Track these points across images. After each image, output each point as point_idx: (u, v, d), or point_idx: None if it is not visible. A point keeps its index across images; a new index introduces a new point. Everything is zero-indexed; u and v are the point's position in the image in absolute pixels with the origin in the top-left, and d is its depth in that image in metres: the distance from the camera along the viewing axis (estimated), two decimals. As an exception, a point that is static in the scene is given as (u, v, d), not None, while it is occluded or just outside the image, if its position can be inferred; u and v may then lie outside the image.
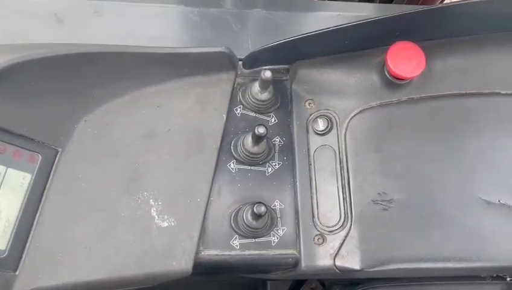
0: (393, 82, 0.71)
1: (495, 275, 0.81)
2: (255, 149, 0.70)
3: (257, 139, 0.67)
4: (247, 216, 0.66)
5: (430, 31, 0.71)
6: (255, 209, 0.61)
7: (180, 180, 0.70)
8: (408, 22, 0.67)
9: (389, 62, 0.67)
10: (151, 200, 0.68)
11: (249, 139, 0.70)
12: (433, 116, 0.71)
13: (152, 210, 0.68)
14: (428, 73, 0.72)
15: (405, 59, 0.67)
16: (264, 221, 0.66)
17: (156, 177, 0.69)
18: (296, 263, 0.69)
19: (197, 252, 0.67)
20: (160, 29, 0.85)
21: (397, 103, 0.72)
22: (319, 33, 0.67)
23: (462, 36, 0.72)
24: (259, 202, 0.62)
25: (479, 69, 0.72)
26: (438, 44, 0.72)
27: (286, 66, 0.79)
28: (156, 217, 0.67)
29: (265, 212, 0.62)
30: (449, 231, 0.68)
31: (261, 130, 0.64)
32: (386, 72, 0.70)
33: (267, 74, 0.68)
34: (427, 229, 0.67)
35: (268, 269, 0.73)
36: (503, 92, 0.71)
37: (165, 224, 0.67)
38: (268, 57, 0.76)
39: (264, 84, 0.71)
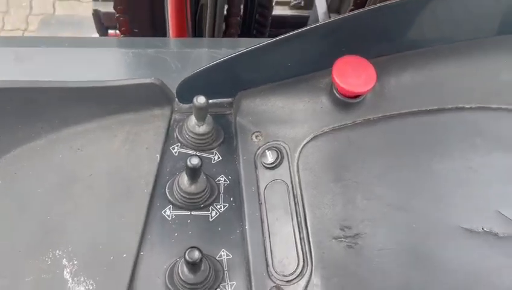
0: (345, 102, 0.62)
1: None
2: (193, 188, 0.59)
3: (192, 174, 0.57)
4: (182, 270, 0.54)
5: (380, 44, 0.65)
6: (186, 257, 0.49)
7: (101, 234, 0.58)
8: (353, 31, 0.61)
9: (336, 78, 0.60)
10: (64, 260, 0.55)
11: (184, 178, 0.59)
12: (393, 137, 0.62)
13: (65, 272, 0.54)
14: (382, 90, 0.64)
15: (353, 73, 0.60)
16: (204, 274, 0.54)
17: (71, 232, 0.57)
18: (248, 326, 0.55)
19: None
20: (92, 73, 0.77)
21: (352, 125, 0.63)
22: (254, 49, 0.60)
23: (415, 49, 0.66)
24: (192, 247, 0.50)
25: (438, 83, 0.65)
26: (389, 59, 0.66)
27: (229, 100, 0.71)
28: (70, 281, 0.54)
29: (201, 259, 0.50)
30: (430, 270, 0.56)
31: (194, 161, 0.54)
32: (335, 92, 0.63)
33: (200, 100, 0.59)
34: (402, 268, 0.55)
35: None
36: (467, 106, 0.64)
37: (81, 289, 0.54)
38: (207, 90, 0.68)
39: (200, 114, 0.62)
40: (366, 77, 0.60)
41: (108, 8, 1.39)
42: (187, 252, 0.49)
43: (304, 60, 0.65)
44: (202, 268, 0.53)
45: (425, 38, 0.66)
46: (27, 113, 0.61)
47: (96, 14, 1.46)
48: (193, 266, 0.51)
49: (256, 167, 0.64)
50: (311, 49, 0.63)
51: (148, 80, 0.64)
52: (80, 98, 0.63)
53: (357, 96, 0.62)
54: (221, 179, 0.64)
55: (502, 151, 0.62)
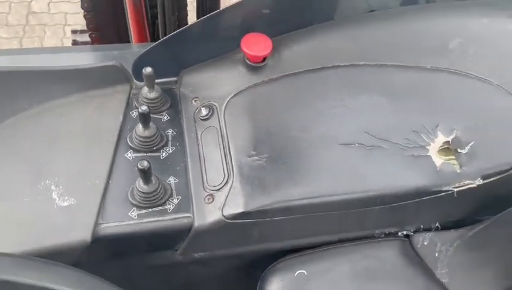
0: (253, 66, 0.87)
1: (387, 231, 0.90)
2: (146, 133, 0.81)
3: (144, 120, 0.79)
4: (139, 184, 0.75)
5: (277, 24, 0.90)
6: (138, 165, 0.70)
7: (80, 169, 0.79)
8: (256, 14, 0.86)
9: (244, 48, 0.84)
10: (52, 186, 0.76)
11: (139, 126, 0.81)
12: (289, 88, 0.87)
13: (53, 194, 0.75)
14: (280, 57, 0.89)
15: (255, 44, 0.84)
16: (154, 186, 0.75)
17: (57, 168, 0.78)
18: (191, 225, 0.76)
19: (96, 225, 0.73)
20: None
21: (261, 83, 0.87)
22: (184, 29, 0.84)
23: (304, 27, 0.91)
24: (142, 160, 0.71)
25: (320, 49, 0.90)
26: (285, 36, 0.91)
27: (174, 78, 0.95)
28: (57, 199, 0.75)
29: (149, 168, 0.71)
30: (316, 172, 0.78)
31: (143, 107, 0.77)
32: (246, 60, 0.87)
33: (148, 69, 0.83)
34: (297, 171, 0.78)
35: (169, 239, 0.78)
36: (341, 64, 0.89)
37: (66, 204, 0.74)
38: (157, 70, 0.91)
39: (149, 81, 0.85)
40: (265, 45, 0.84)
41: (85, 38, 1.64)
42: (138, 163, 0.71)
43: (222, 42, 0.89)
44: (153, 181, 0.75)
45: (311, 18, 0.91)
46: (21, 90, 0.83)
47: (75, 44, 1.72)
48: (144, 174, 0.72)
49: (195, 121, 0.87)
50: (225, 31, 0.87)
51: (110, 63, 0.88)
52: (61, 78, 0.86)
53: (261, 61, 0.86)
54: (169, 131, 0.87)
55: (367, 94, 0.86)
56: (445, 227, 0.92)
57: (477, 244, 0.89)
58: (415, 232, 0.92)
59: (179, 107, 0.90)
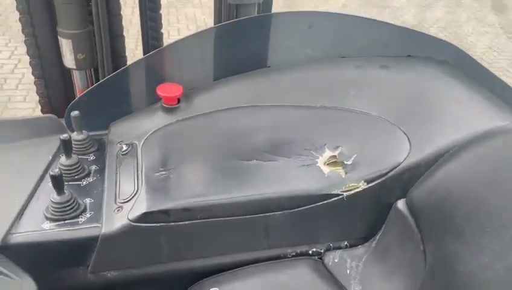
0: (168, 108, 1.03)
1: (298, 251, 0.96)
2: (68, 162, 0.92)
3: (65, 149, 0.91)
4: (53, 196, 0.83)
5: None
6: (50, 172, 0.80)
7: (6, 191, 0.87)
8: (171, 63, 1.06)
9: (159, 92, 1.01)
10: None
11: (63, 157, 0.93)
12: (199, 123, 1.02)
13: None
14: (191, 102, 1.06)
15: (169, 89, 1.02)
16: (67, 197, 0.83)
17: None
18: (99, 234, 0.82)
19: (8, 234, 0.79)
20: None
21: (175, 122, 1.02)
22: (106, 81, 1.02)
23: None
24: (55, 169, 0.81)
25: (225, 95, 1.08)
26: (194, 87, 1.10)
27: (105, 131, 1.09)
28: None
29: (61, 175, 0.80)
30: (216, 180, 0.88)
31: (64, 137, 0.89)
32: (162, 103, 1.03)
33: (75, 112, 0.97)
34: (198, 179, 0.87)
35: (79, 251, 0.83)
36: (244, 105, 1.06)
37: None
38: (89, 124, 1.05)
39: (76, 123, 0.99)
40: (177, 89, 1.02)
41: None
42: (50, 170, 0.80)
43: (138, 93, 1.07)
44: (66, 193, 0.83)
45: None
46: None
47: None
48: (56, 181, 0.80)
49: (117, 157, 0.99)
50: (139, 82, 1.06)
51: (46, 115, 1.03)
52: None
53: (175, 104, 1.03)
54: (93, 167, 0.97)
55: (264, 125, 1.01)
56: (353, 245, 0.98)
57: (381, 254, 0.94)
58: (325, 251, 0.97)
59: (106, 150, 1.03)
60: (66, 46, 1.17)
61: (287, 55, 1.14)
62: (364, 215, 0.95)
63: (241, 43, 1.11)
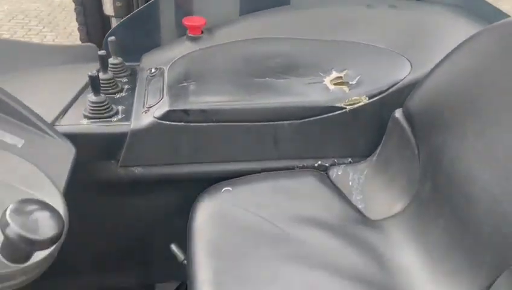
0: (192, 37, 1.15)
1: (305, 164, 1.05)
2: (105, 76, 1.05)
3: (102, 66, 1.04)
4: (90, 97, 0.96)
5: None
6: (89, 73, 0.93)
7: (51, 97, 1.02)
8: None
9: (185, 22, 1.14)
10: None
11: (100, 73, 1.06)
12: (220, 50, 1.13)
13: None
14: (213, 34, 1.18)
15: (193, 21, 1.14)
16: (102, 98, 0.96)
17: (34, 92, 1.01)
18: (129, 130, 0.94)
19: (53, 124, 0.93)
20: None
21: (198, 50, 1.14)
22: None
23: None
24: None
25: (243, 28, 1.19)
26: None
27: (138, 63, 1.22)
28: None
29: (97, 76, 0.93)
30: (232, 89, 1.00)
31: (101, 51, 1.03)
32: (188, 33, 1.16)
33: (111, 38, 1.11)
34: (216, 89, 1.00)
35: (111, 144, 0.96)
36: (261, 37, 1.16)
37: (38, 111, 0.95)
38: (125, 54, 1.19)
39: (112, 49, 1.13)
40: (200, 21, 1.14)
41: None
42: (89, 72, 0.93)
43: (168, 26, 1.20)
44: (102, 96, 0.96)
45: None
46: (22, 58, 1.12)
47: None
48: (93, 82, 0.93)
49: (146, 79, 1.12)
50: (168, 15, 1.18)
51: (87, 44, 1.17)
52: (47, 52, 1.15)
53: (199, 33, 1.15)
54: (125, 86, 1.11)
55: (278, 52, 1.12)
56: (356, 162, 1.06)
57: (382, 166, 1.02)
58: (330, 166, 1.06)
59: (137, 76, 1.16)
60: (106, -6, 1.33)
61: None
62: (366, 132, 1.03)
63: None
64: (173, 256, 0.99)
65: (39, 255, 0.59)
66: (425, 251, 0.82)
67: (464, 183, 0.77)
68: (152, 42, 1.21)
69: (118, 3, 1.40)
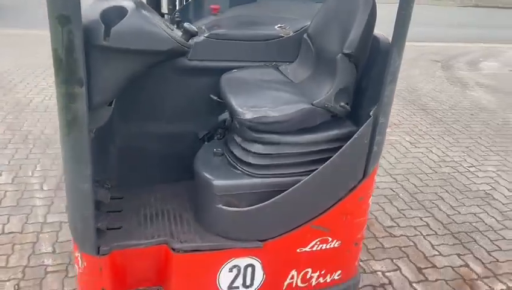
0: (215, 14, 2.46)
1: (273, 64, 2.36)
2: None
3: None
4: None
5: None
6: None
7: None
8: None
9: (211, 7, 2.45)
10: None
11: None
12: (228, 18, 2.46)
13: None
14: (221, 13, 2.50)
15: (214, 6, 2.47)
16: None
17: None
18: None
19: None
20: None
21: (217, 18, 2.45)
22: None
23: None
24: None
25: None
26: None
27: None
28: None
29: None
30: None
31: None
32: (211, 12, 2.48)
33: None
34: None
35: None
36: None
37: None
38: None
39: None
40: (217, 7, 2.46)
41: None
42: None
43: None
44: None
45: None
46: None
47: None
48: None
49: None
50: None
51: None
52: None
53: (216, 12, 2.46)
54: None
55: None
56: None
57: (301, 62, 2.31)
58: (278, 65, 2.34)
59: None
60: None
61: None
62: (294, 47, 2.30)
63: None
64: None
65: None
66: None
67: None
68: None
69: None
